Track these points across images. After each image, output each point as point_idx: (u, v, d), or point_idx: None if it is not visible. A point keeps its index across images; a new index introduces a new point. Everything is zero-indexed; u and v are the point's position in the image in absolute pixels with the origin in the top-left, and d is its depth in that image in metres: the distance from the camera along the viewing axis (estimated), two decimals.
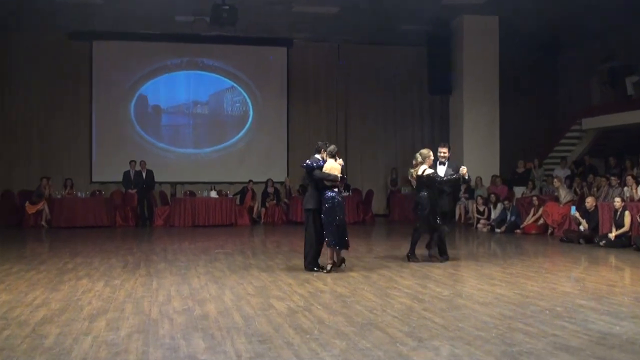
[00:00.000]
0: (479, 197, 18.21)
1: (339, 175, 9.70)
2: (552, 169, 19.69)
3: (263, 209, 19.99)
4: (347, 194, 19.20)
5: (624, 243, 13.07)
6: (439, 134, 22.12)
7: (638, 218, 13.20)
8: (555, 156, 20.84)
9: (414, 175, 10.80)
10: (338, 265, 9.82)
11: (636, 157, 17.07)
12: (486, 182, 19.28)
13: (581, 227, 14.27)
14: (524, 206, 17.05)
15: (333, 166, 9.75)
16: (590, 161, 19.26)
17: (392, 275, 9.41)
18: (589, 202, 14.41)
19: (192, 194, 19.99)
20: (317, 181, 9.80)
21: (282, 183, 20.91)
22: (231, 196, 19.72)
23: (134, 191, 19.24)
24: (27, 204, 18.33)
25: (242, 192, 20.18)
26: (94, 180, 20.90)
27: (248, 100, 22.09)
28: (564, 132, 21.20)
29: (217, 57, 21.82)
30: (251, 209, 19.91)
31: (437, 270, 9.93)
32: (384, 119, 22.83)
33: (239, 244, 14.05)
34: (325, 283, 8.67)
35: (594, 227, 14.04)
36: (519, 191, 18.59)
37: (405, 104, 23.00)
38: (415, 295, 7.80)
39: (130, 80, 21.24)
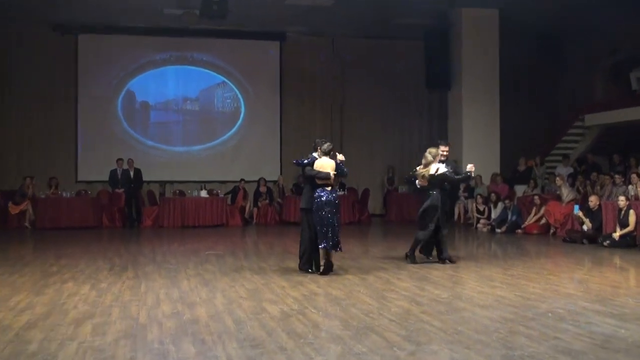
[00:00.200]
0: (478, 196, 18.23)
1: (332, 173, 9.67)
2: (554, 167, 19.72)
3: (255, 209, 19.97)
4: (343, 192, 19.19)
5: (628, 243, 13.11)
6: (437, 130, 22.11)
7: None
8: (557, 153, 20.87)
9: (426, 175, 10.72)
10: (324, 269, 9.60)
11: None
12: (486, 181, 19.29)
13: (584, 227, 14.29)
14: (525, 205, 17.07)
15: (324, 164, 9.73)
16: (594, 159, 19.26)
17: (389, 277, 9.41)
18: (593, 201, 14.43)
19: (182, 193, 19.95)
20: (310, 179, 9.82)
21: (275, 182, 20.89)
22: (222, 196, 19.69)
23: (121, 191, 19.20)
24: (9, 204, 18.28)
25: (234, 192, 20.16)
26: (79, 179, 20.83)
27: (239, 96, 22.08)
28: (567, 128, 21.23)
29: (208, 52, 21.80)
30: (243, 208, 19.89)
31: (436, 272, 9.94)
32: (380, 116, 22.82)
33: (231, 245, 14.03)
34: (319, 285, 8.67)
35: (597, 227, 14.07)
36: (520, 190, 18.60)
37: (402, 100, 23.00)
38: (413, 297, 7.80)
39: (118, 76, 21.18)
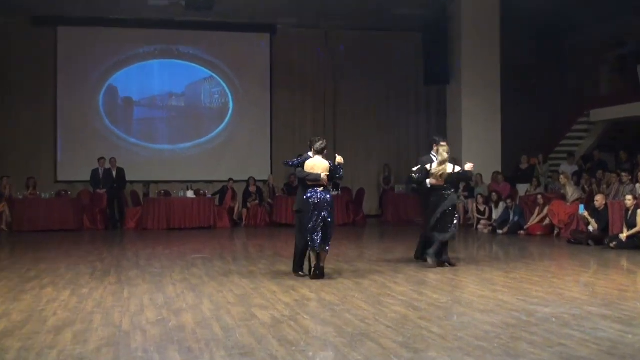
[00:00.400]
0: (479, 196, 18.24)
1: (324, 174, 9.65)
2: (558, 165, 19.77)
3: (244, 210, 19.96)
4: (336, 192, 19.18)
5: (636, 244, 13.11)
6: (436, 127, 22.13)
7: None
8: (561, 151, 20.92)
9: (444, 174, 10.74)
10: (314, 274, 9.60)
11: None
12: (487, 180, 19.31)
13: (590, 228, 14.31)
14: (528, 205, 17.10)
15: (316, 164, 9.69)
16: (600, 156, 19.31)
17: (385, 281, 9.41)
18: (599, 200, 14.45)
19: (167, 193, 19.93)
20: (302, 180, 9.82)
21: (265, 181, 20.88)
22: (210, 196, 19.67)
23: (103, 191, 19.16)
24: None
25: (222, 192, 20.14)
26: (59, 179, 20.78)
27: (228, 91, 22.06)
28: (571, 124, 21.28)
29: (194, 45, 21.77)
30: (231, 210, 19.88)
31: (434, 275, 9.94)
32: (375, 112, 22.83)
33: (219, 248, 14.02)
34: (312, 290, 8.65)
35: (603, 228, 14.09)
36: (522, 189, 18.63)
37: (398, 95, 23.02)
38: (411, 302, 7.80)
39: (99, 70, 21.13)
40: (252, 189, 20.15)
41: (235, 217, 19.91)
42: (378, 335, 6.24)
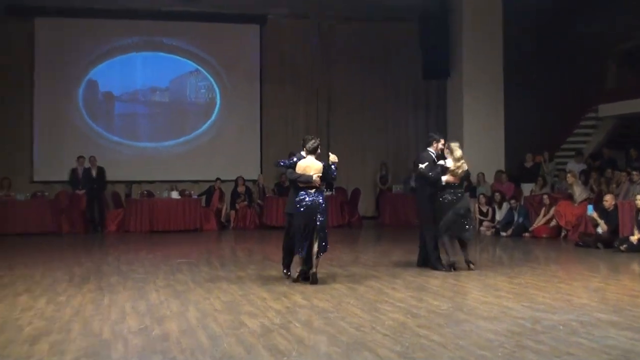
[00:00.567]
0: (481, 196, 18.25)
1: (316, 176, 9.62)
2: (565, 163, 19.80)
3: (233, 212, 19.94)
4: (330, 193, 19.17)
5: None
6: (435, 123, 22.15)
7: None
8: (568, 148, 20.95)
9: (462, 172, 10.84)
10: (297, 277, 9.74)
11: None
12: (489, 179, 19.34)
13: (599, 230, 14.33)
14: (533, 206, 17.12)
15: (309, 165, 9.68)
16: (609, 153, 19.34)
17: (382, 286, 9.40)
18: (608, 200, 14.47)
19: (150, 194, 19.91)
20: (293, 182, 9.81)
21: (254, 181, 20.87)
22: (195, 197, 19.65)
23: (82, 192, 19.10)
24: None
25: (209, 192, 20.12)
26: (35, 179, 20.65)
27: (215, 85, 22.02)
28: (578, 120, 21.31)
29: (180, 36, 21.69)
30: (219, 211, 19.86)
31: (435, 280, 9.93)
32: (371, 107, 22.79)
33: (205, 253, 14.02)
34: (305, 297, 8.64)
35: (613, 229, 14.12)
36: (527, 189, 18.66)
37: (396, 89, 23.01)
38: (409, 309, 7.79)
39: (78, 63, 21.01)
40: (241, 189, 20.11)
41: (222, 219, 19.88)
42: (375, 344, 6.22)
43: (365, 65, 22.50)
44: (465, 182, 11.86)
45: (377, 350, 6.02)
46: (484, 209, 17.96)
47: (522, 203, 17.32)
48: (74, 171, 19.31)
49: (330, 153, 10.07)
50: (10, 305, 8.26)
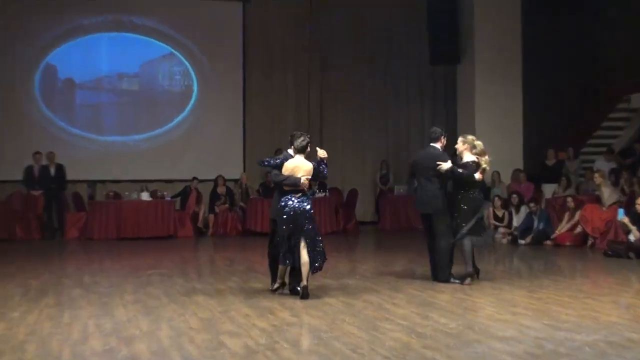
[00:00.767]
0: (496, 199, 18.24)
1: (304, 178, 9.62)
2: (593, 161, 19.82)
3: (211, 216, 19.95)
4: (323, 194, 19.18)
5: None
6: (444, 116, 22.19)
7: None
8: (596, 143, 21.00)
9: (488, 168, 11.11)
10: (277, 287, 9.98)
11: None
12: (506, 179, 19.36)
13: (631, 237, 14.34)
14: (556, 210, 17.15)
15: (297, 165, 9.65)
16: None
17: (383, 302, 9.41)
18: None
19: (117, 196, 19.88)
20: (279, 185, 9.81)
21: (237, 181, 20.88)
22: (169, 199, 19.66)
23: (38, 193, 19.09)
24: None
25: (184, 194, 20.12)
26: None
27: (191, 71, 22.02)
28: (607, 112, 21.33)
29: (151, 15, 21.69)
30: (196, 215, 19.86)
31: (442, 295, 9.94)
32: (371, 96, 22.83)
33: (180, 263, 14.03)
34: (294, 313, 8.65)
35: None
36: (548, 190, 18.70)
37: (399, 77, 23.04)
38: (413, 328, 7.79)
39: (35, 46, 20.99)
40: (221, 190, 20.11)
41: (200, 224, 19.88)
42: None
43: (365, 49, 22.52)
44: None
45: None
46: (500, 214, 17.97)
47: (542, 206, 17.34)
48: (29, 169, 19.26)
49: (318, 148, 10.07)
50: None
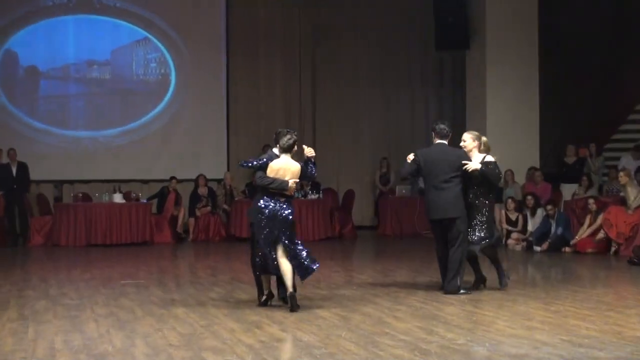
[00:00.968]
0: (509, 200, 18.25)
1: (292, 181, 9.66)
2: (617, 158, 19.84)
3: (192, 220, 19.97)
4: (317, 196, 19.20)
5: None
6: (451, 107, 22.21)
7: None
8: (620, 139, 21.03)
9: None
10: (263, 300, 10.01)
11: None
12: (520, 179, 19.38)
13: None
14: (576, 213, 17.17)
15: (283, 166, 9.66)
16: None
17: (382, 315, 9.43)
18: None
19: (87, 197, 19.89)
20: (263, 188, 9.80)
21: (220, 181, 20.88)
22: (145, 201, 19.68)
23: None
24: None
25: (161, 195, 20.13)
26: None
27: (169, 58, 22.00)
28: (632, 105, 21.36)
29: None
30: (174, 219, 19.87)
31: (449, 307, 9.96)
32: (369, 86, 22.82)
33: (157, 272, 14.03)
34: (284, 328, 8.66)
35: None
36: (568, 191, 18.71)
37: (400, 64, 23.03)
38: (416, 343, 7.82)
39: None
40: (203, 191, 20.13)
41: (179, 229, 19.92)
42: None
43: (362, 31, 22.50)
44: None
45: None
46: (513, 217, 18.00)
47: (561, 209, 17.38)
48: None
49: (305, 146, 10.06)
50: None
